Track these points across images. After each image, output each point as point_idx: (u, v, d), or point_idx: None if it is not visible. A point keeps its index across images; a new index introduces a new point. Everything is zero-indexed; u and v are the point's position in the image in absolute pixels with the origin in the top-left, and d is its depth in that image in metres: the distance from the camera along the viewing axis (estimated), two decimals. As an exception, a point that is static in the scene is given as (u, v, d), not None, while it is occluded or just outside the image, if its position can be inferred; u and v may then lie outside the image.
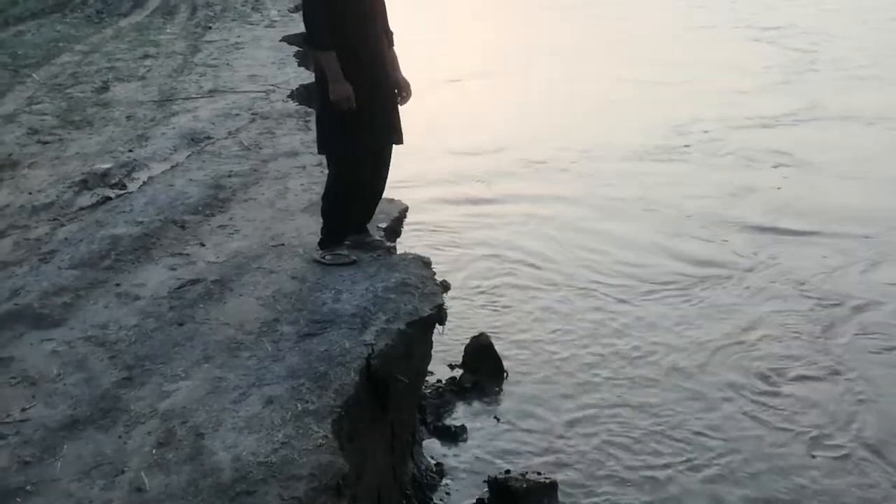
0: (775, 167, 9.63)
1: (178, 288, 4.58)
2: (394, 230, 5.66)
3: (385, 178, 4.91)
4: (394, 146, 4.80)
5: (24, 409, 3.52)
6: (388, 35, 4.78)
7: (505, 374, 5.55)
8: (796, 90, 12.88)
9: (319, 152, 4.89)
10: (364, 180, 4.77)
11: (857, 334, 6.00)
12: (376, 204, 5.03)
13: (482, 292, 6.78)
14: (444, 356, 5.68)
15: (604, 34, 17.98)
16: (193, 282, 4.65)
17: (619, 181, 9.17)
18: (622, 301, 6.56)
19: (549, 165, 9.74)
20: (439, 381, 5.52)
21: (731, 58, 15.29)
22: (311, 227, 5.28)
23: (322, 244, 4.86)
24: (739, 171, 9.58)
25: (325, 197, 4.81)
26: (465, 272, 7.06)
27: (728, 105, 12.13)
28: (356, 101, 4.44)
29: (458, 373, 5.61)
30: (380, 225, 5.43)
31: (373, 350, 3.84)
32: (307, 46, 4.64)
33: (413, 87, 4.74)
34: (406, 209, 5.97)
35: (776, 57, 15.19)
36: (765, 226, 7.91)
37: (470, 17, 21.01)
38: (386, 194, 5.07)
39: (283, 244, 5.15)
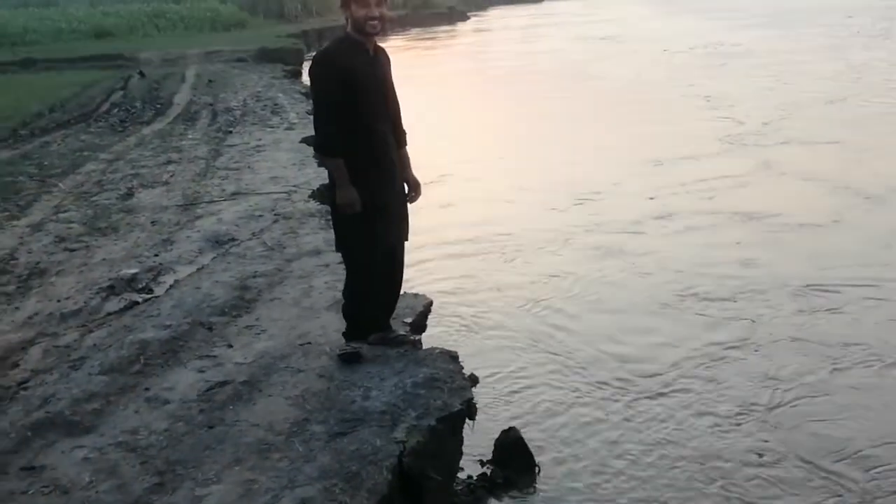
0: (733, 224, 9.94)
1: (208, 390, 4.59)
2: (419, 325, 5.68)
3: (402, 273, 5.00)
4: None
5: (56, 519, 3.51)
6: (401, 135, 4.92)
7: (537, 469, 5.47)
8: (748, 153, 13.34)
9: (337, 250, 5.00)
10: (381, 279, 4.84)
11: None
12: (396, 300, 5.09)
13: (506, 382, 6.69)
14: (474, 451, 5.60)
15: (565, 115, 18.32)
16: (222, 383, 4.67)
17: (605, 258, 9.10)
18: (635, 392, 6.44)
19: (537, 247, 9.63)
20: (470, 477, 5.42)
21: (691, 127, 15.78)
22: (336, 325, 5.31)
23: (346, 338, 4.92)
24: (704, 231, 9.78)
25: (345, 296, 4.88)
26: (487, 361, 6.98)
27: (690, 171, 12.40)
28: (369, 203, 4.57)
29: (488, 469, 5.53)
30: (405, 320, 5.45)
31: (404, 447, 3.82)
32: (316, 152, 4.80)
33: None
34: (430, 303, 6.00)
35: (724, 124, 15.66)
36: (737, 288, 8.02)
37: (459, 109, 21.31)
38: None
39: (309, 342, 5.18)
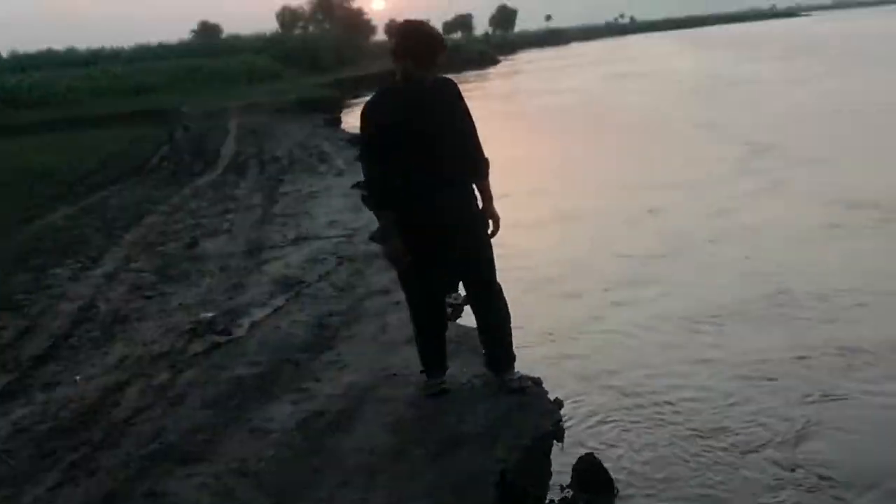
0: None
1: (305, 420, 4.84)
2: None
3: (493, 313, 4.91)
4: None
5: (186, 539, 3.75)
6: (477, 168, 4.74)
7: (616, 492, 5.62)
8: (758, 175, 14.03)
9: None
10: (426, 320, 4.99)
11: None
12: (494, 343, 4.97)
13: (576, 408, 6.77)
14: (553, 476, 5.76)
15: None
16: (318, 413, 4.91)
17: (645, 285, 9.14)
18: (708, 419, 6.48)
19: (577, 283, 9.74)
20: (552, 501, 5.60)
21: (701, 152, 16.92)
22: (416, 358, 5.52)
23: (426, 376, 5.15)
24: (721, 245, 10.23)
25: None
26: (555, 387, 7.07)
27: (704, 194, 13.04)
28: (416, 250, 4.64)
29: (568, 493, 5.68)
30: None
31: (506, 465, 4.03)
32: (363, 203, 5.03)
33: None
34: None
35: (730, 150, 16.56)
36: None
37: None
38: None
39: (395, 374, 5.41)
